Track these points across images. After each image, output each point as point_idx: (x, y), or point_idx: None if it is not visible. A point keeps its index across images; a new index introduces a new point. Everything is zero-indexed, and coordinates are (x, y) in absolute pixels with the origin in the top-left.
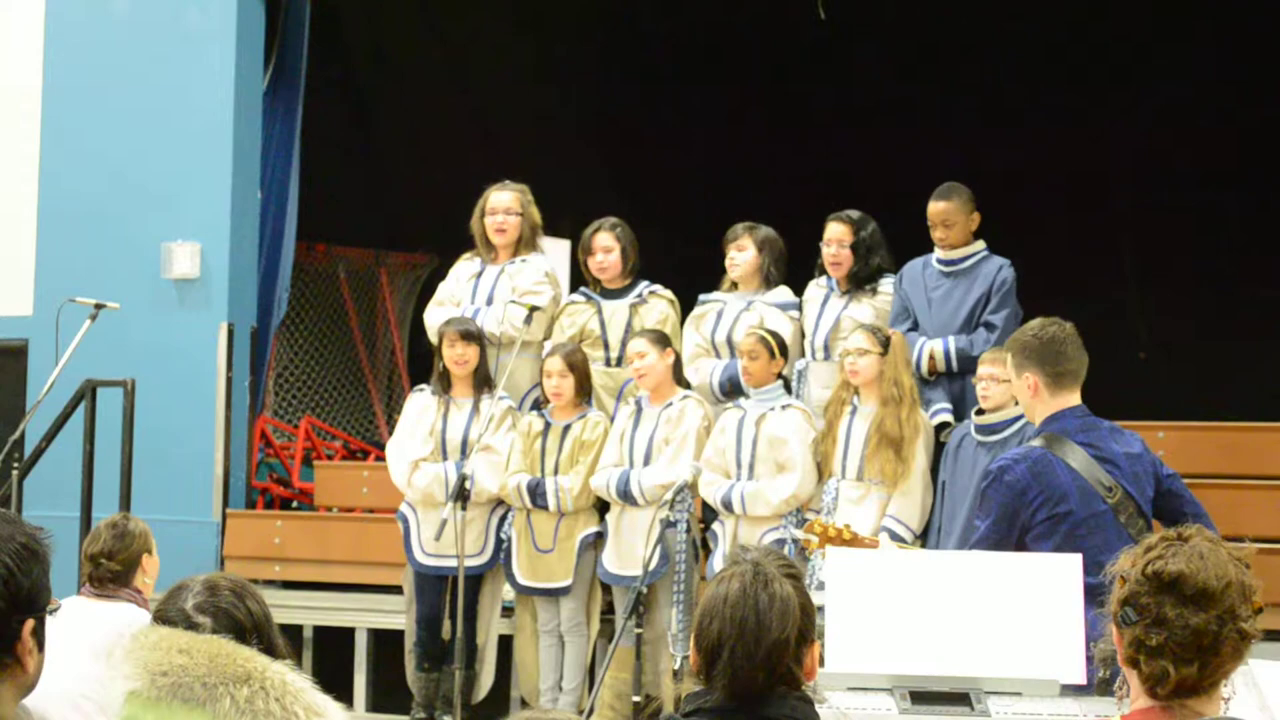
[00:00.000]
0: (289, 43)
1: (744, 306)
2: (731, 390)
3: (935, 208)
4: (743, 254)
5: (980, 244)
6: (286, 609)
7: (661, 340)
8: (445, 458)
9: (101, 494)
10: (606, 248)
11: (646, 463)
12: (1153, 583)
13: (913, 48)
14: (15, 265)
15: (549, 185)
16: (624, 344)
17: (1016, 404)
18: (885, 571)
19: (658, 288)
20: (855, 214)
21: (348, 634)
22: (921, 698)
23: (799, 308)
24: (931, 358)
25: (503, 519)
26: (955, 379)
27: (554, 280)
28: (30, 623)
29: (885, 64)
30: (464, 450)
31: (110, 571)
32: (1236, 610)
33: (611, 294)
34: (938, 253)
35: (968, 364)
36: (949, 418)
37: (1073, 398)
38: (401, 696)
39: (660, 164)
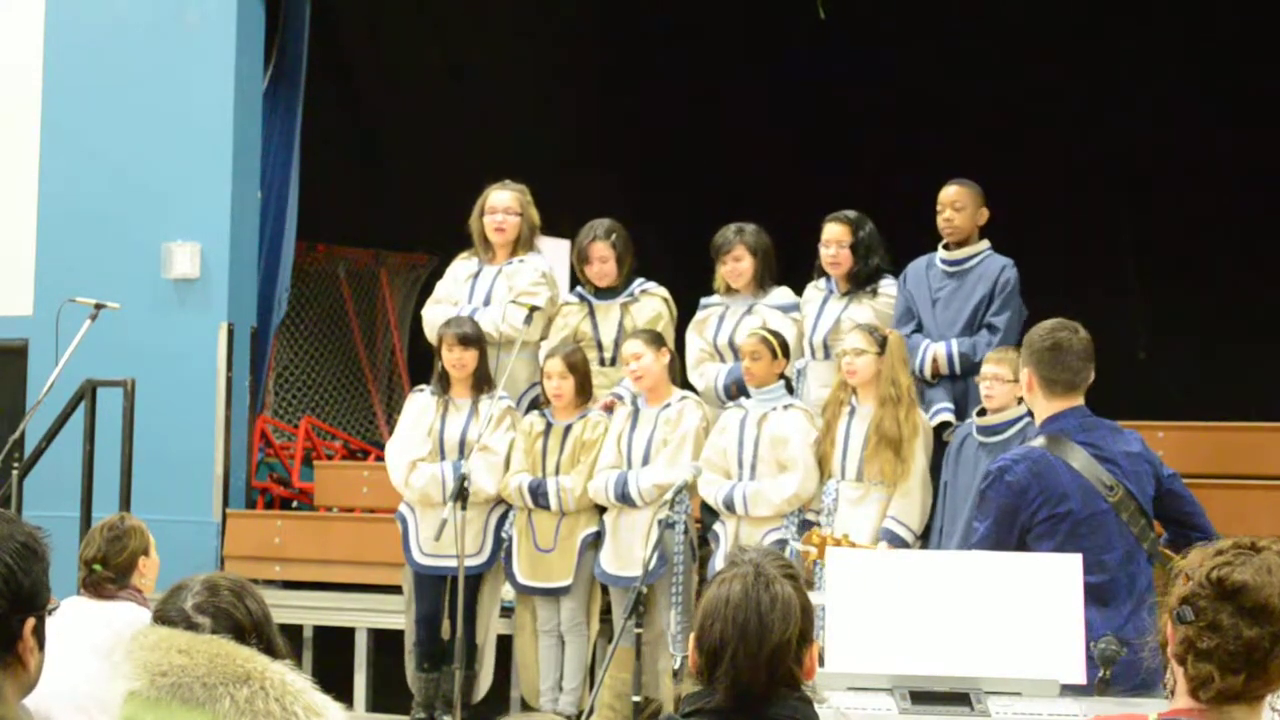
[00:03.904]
0: (289, 43)
1: (745, 310)
2: (737, 393)
3: (946, 192)
4: (740, 263)
5: (985, 243)
6: (286, 609)
7: (656, 340)
8: (443, 458)
9: (101, 494)
10: (603, 257)
11: (645, 463)
12: (1215, 588)
13: (913, 47)
14: (15, 265)
15: (549, 185)
16: (617, 343)
17: (1019, 404)
18: (885, 571)
19: (650, 285)
20: (853, 214)
21: (348, 634)
22: (921, 698)
23: (799, 309)
24: (935, 361)
25: (502, 519)
26: (958, 380)
27: (551, 280)
28: (31, 621)
29: (885, 64)
30: (462, 450)
31: (103, 578)
32: None
33: (604, 294)
34: (941, 253)
35: (970, 367)
36: (950, 417)
37: (1069, 402)
38: (401, 696)
39: (660, 164)
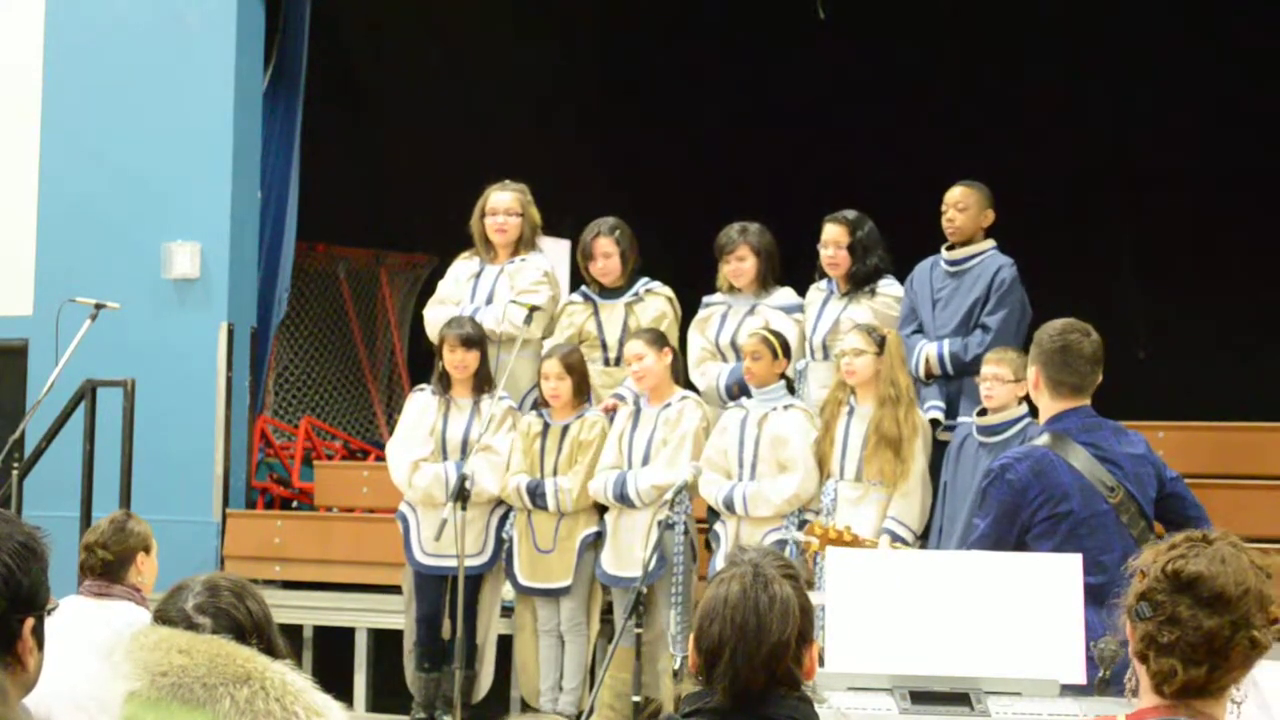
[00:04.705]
0: (289, 43)
1: (748, 310)
2: (739, 393)
3: (951, 193)
4: (744, 263)
5: (988, 243)
6: (286, 609)
7: (659, 340)
8: (445, 458)
9: (101, 494)
10: (606, 253)
11: (645, 463)
12: (1171, 581)
13: (913, 47)
14: (15, 265)
15: (549, 185)
16: (621, 343)
17: (1019, 404)
18: (885, 571)
19: (655, 285)
20: (851, 214)
21: (348, 634)
22: (921, 698)
23: (802, 309)
24: (927, 361)
25: (503, 519)
26: (952, 379)
27: (553, 280)
28: (30, 621)
29: (885, 64)
30: (464, 450)
31: (101, 561)
32: (1251, 618)
33: (609, 294)
34: (945, 254)
35: (962, 368)
36: (940, 415)
37: (1074, 403)
38: (401, 696)
39: (660, 164)
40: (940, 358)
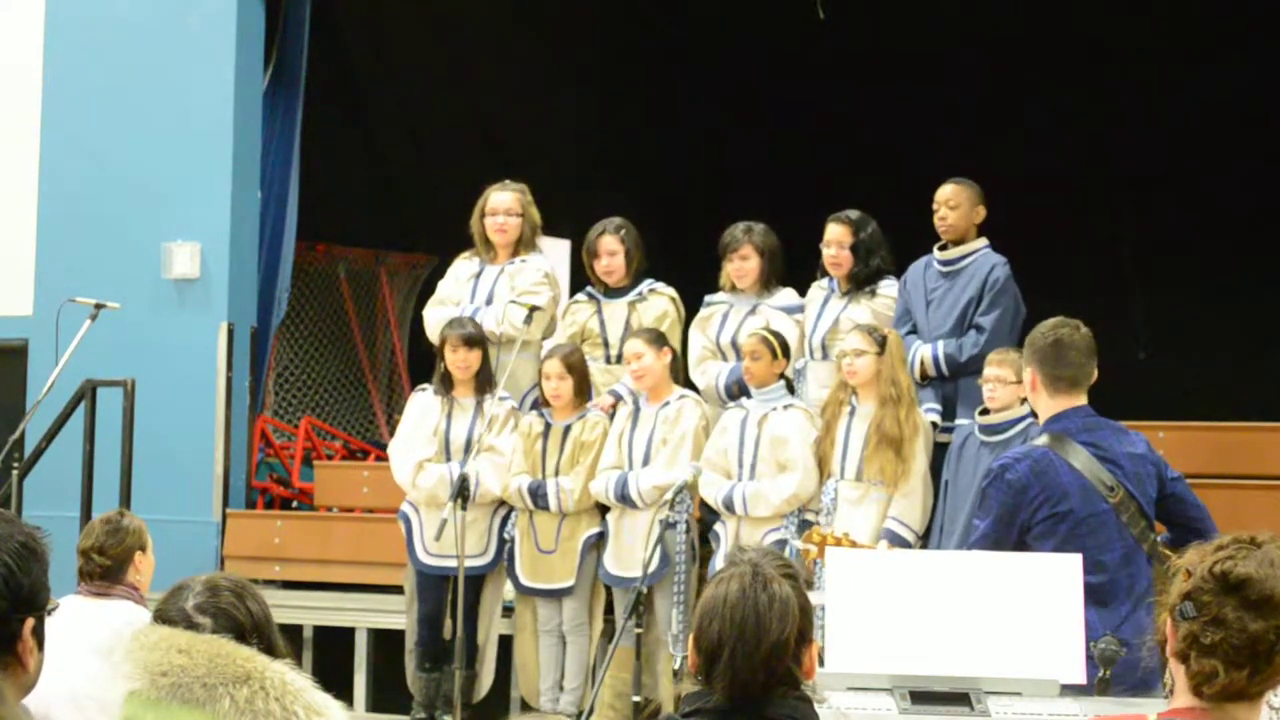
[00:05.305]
0: (289, 43)
1: (749, 310)
2: (739, 393)
3: (942, 191)
4: (747, 262)
5: (981, 241)
6: (286, 609)
7: (658, 340)
8: (449, 458)
9: (101, 494)
10: (611, 251)
11: (646, 463)
12: (1218, 582)
13: (912, 47)
14: (15, 265)
15: (549, 185)
16: (623, 341)
17: (1022, 404)
18: (885, 572)
19: (658, 285)
20: (855, 214)
21: (348, 634)
22: (921, 698)
23: (804, 310)
24: (922, 363)
25: (505, 519)
26: (948, 381)
27: (553, 281)
28: (30, 621)
29: (885, 63)
30: (468, 451)
31: (100, 566)
32: None
33: (613, 293)
34: (937, 254)
35: (957, 368)
36: (936, 418)
37: (1073, 400)
38: (401, 696)
39: (660, 164)
40: (935, 359)
